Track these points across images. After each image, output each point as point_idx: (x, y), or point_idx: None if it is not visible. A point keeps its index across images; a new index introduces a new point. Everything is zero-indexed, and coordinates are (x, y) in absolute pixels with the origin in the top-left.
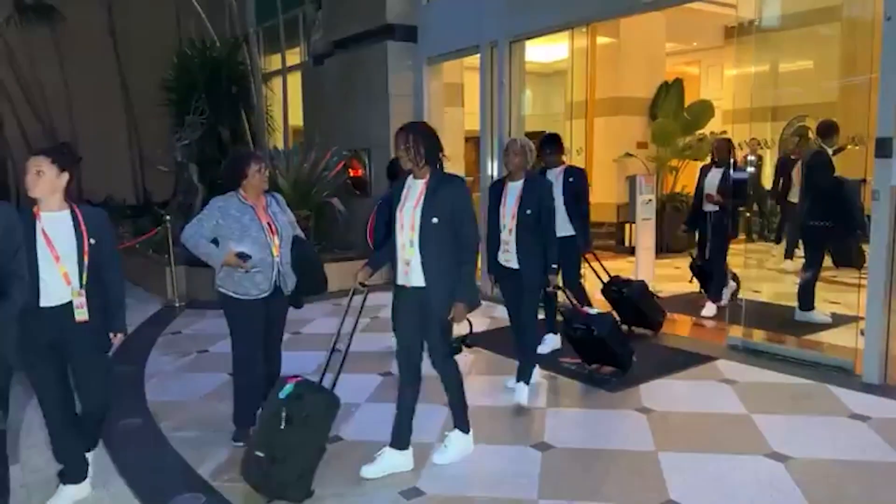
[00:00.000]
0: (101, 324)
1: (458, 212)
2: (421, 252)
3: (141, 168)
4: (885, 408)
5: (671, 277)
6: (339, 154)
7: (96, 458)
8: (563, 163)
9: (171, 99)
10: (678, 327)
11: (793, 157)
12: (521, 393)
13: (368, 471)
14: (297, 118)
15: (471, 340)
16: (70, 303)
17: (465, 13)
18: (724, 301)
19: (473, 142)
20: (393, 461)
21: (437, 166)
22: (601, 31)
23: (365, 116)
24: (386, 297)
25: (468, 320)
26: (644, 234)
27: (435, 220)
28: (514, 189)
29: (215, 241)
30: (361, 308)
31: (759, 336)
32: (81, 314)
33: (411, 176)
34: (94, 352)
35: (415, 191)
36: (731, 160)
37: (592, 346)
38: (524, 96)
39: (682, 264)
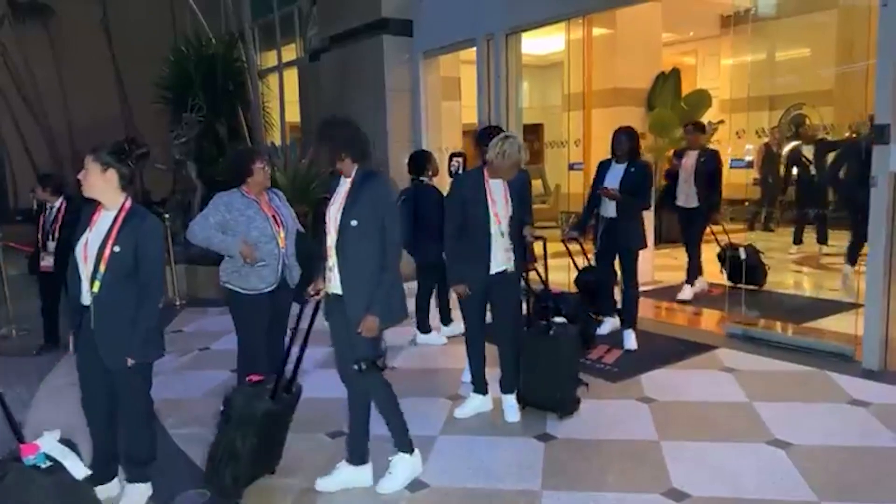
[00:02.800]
0: (122, 339)
1: (380, 213)
2: (338, 257)
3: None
4: (886, 394)
5: (670, 268)
6: None
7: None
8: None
9: (167, 97)
10: (678, 317)
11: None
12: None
13: (323, 483)
14: (293, 114)
15: (384, 362)
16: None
17: (461, 6)
18: (689, 296)
19: (471, 135)
20: (349, 476)
21: (362, 162)
22: (597, 23)
23: (362, 112)
24: None
25: (382, 339)
26: None
27: (354, 222)
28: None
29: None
30: (313, 316)
31: (759, 324)
32: (91, 322)
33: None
34: (114, 366)
35: (341, 190)
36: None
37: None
38: (521, 89)
39: (680, 255)
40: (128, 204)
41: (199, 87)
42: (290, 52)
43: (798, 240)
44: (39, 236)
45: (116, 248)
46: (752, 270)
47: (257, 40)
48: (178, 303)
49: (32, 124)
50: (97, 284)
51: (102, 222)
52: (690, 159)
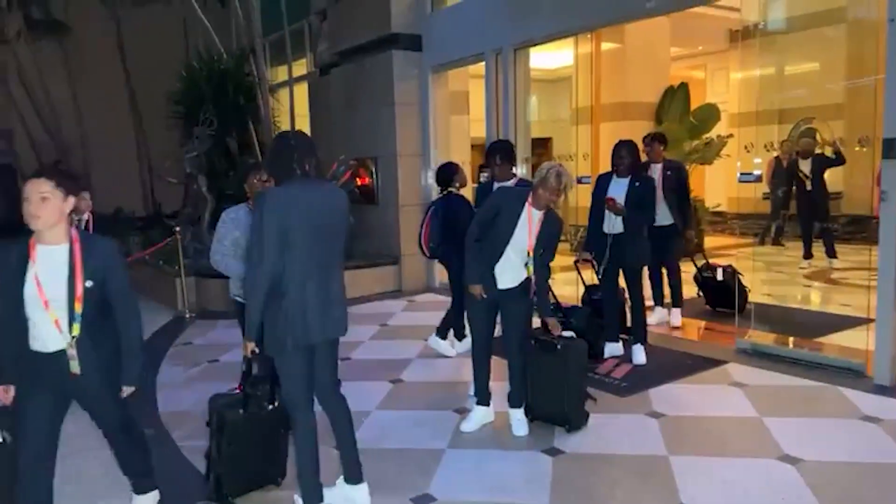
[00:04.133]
0: (112, 373)
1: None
2: None
3: (150, 180)
4: None
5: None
6: (346, 163)
7: (110, 466)
8: (515, 176)
9: (179, 111)
10: (687, 331)
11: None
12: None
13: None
14: (304, 128)
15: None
16: (64, 351)
17: (470, 21)
18: (678, 321)
19: (479, 149)
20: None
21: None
22: (606, 37)
23: (371, 126)
24: (393, 305)
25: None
26: None
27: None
28: (535, 221)
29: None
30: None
31: (768, 339)
32: (75, 367)
33: None
34: (101, 404)
35: None
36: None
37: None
38: (529, 103)
39: (688, 269)
40: (74, 232)
41: (210, 101)
42: (300, 68)
43: (808, 254)
44: None
45: (88, 283)
46: (730, 293)
47: (268, 55)
48: (187, 315)
49: (46, 139)
50: (76, 327)
51: (50, 259)
52: (654, 174)
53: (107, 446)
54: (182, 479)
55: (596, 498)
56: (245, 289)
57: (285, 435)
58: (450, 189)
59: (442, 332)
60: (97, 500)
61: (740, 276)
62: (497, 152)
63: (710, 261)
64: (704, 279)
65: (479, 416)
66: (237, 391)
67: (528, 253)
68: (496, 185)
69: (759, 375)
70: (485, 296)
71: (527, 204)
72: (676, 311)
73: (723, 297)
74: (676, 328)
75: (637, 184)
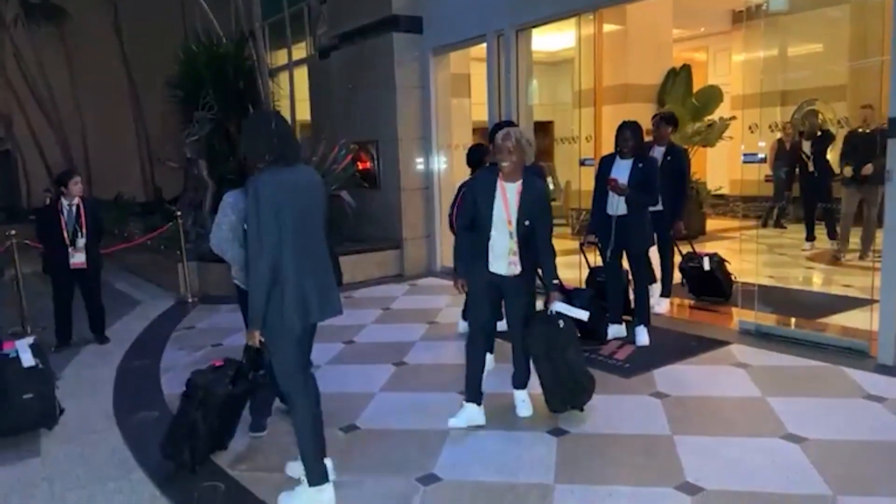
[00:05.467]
0: None
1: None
2: None
3: (150, 165)
4: None
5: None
6: (347, 147)
7: (116, 449)
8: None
9: (178, 95)
10: (690, 312)
11: None
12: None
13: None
14: (304, 112)
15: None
16: None
17: (471, 2)
18: (664, 310)
19: (480, 132)
20: None
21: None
22: (608, 19)
23: (372, 109)
24: (395, 289)
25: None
26: None
27: (245, 225)
28: (511, 193)
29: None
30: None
31: (771, 320)
32: None
33: None
34: None
35: None
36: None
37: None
38: (531, 85)
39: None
40: None
41: (209, 85)
42: (300, 51)
43: (810, 236)
44: (65, 234)
45: None
46: (716, 283)
47: (267, 39)
48: (190, 300)
49: (45, 125)
50: None
51: None
52: (655, 155)
53: (113, 428)
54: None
55: (601, 477)
56: (249, 278)
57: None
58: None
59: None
60: (107, 481)
61: (727, 264)
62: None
63: (696, 248)
64: (690, 268)
65: (470, 415)
66: (215, 366)
67: (508, 226)
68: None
69: (762, 356)
70: (466, 290)
71: (498, 180)
72: (664, 300)
73: (707, 285)
74: (659, 315)
75: (640, 165)
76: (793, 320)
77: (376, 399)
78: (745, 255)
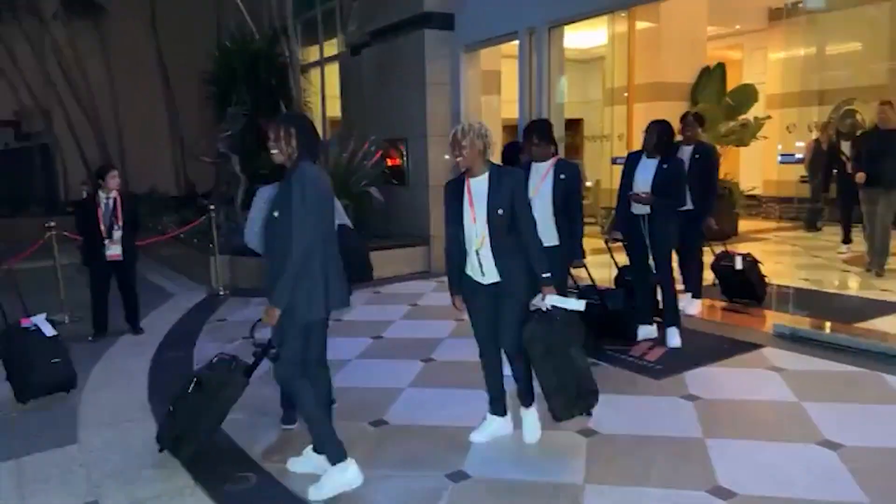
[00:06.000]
0: None
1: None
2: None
3: (183, 160)
4: None
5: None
6: (377, 144)
7: (150, 441)
8: (554, 155)
9: (212, 91)
10: (722, 314)
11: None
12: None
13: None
14: (334, 109)
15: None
16: None
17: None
18: (696, 311)
19: (510, 130)
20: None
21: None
22: (641, 16)
23: (402, 106)
24: (423, 286)
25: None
26: None
27: (276, 213)
28: (477, 187)
29: None
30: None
31: (807, 323)
32: None
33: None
34: None
35: None
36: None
37: (603, 322)
38: (563, 83)
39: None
40: None
41: (242, 82)
42: (331, 48)
43: (847, 239)
44: (102, 227)
45: None
46: (748, 284)
47: (299, 36)
48: (221, 292)
49: (83, 119)
50: None
51: None
52: (684, 155)
53: (148, 417)
54: (222, 451)
55: (631, 478)
56: (289, 260)
57: None
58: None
59: None
60: (143, 469)
61: (760, 265)
62: (534, 131)
63: (730, 248)
64: (722, 268)
65: (494, 428)
66: (225, 358)
67: (473, 222)
68: (533, 166)
69: (797, 360)
70: (458, 307)
71: (465, 179)
72: (695, 301)
73: (740, 286)
74: (691, 316)
75: (665, 166)
76: (828, 324)
77: (405, 394)
78: (780, 256)
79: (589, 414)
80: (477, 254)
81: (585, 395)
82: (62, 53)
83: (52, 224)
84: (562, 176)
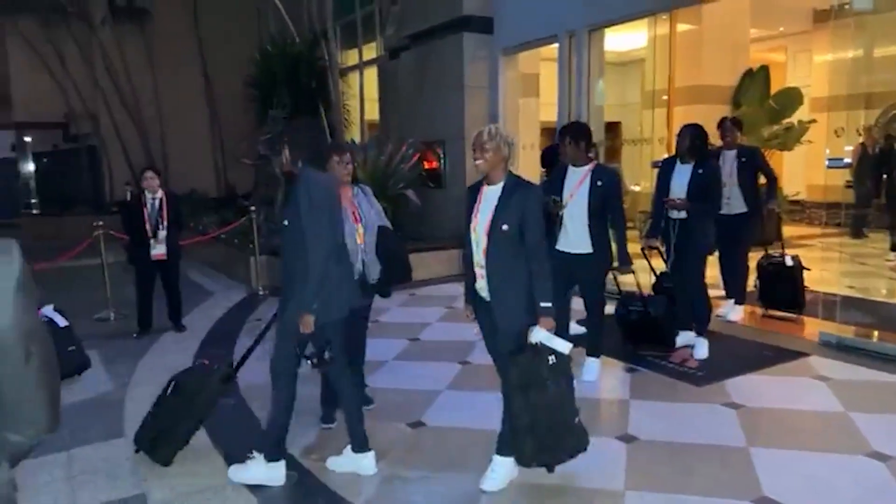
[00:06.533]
0: None
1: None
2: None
3: (223, 161)
4: None
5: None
6: (414, 147)
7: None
8: (591, 160)
9: (253, 94)
10: (765, 322)
11: None
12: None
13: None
14: (372, 112)
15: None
16: None
17: (543, 2)
18: (738, 318)
19: (548, 133)
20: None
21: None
22: (682, 18)
23: (440, 109)
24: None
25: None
26: None
27: (286, 222)
28: (490, 196)
29: None
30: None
31: (853, 332)
32: None
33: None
34: None
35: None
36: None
37: (645, 328)
38: (601, 86)
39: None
40: None
41: (283, 85)
42: (370, 51)
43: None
44: (148, 227)
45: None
46: (793, 290)
47: (339, 39)
48: (261, 292)
49: (128, 122)
50: None
51: None
52: (728, 161)
53: None
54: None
55: (672, 485)
56: (310, 265)
57: None
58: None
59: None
60: (186, 463)
61: (805, 271)
62: (568, 132)
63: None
64: (771, 265)
65: (504, 472)
66: (204, 363)
67: (473, 233)
68: (569, 170)
69: (844, 369)
70: (468, 315)
71: (482, 185)
72: (738, 308)
73: (782, 291)
74: (732, 323)
75: (700, 171)
76: (875, 333)
77: (442, 396)
78: (825, 263)
79: (551, 470)
80: (479, 266)
81: (553, 448)
82: (109, 58)
83: (100, 223)
84: (599, 182)
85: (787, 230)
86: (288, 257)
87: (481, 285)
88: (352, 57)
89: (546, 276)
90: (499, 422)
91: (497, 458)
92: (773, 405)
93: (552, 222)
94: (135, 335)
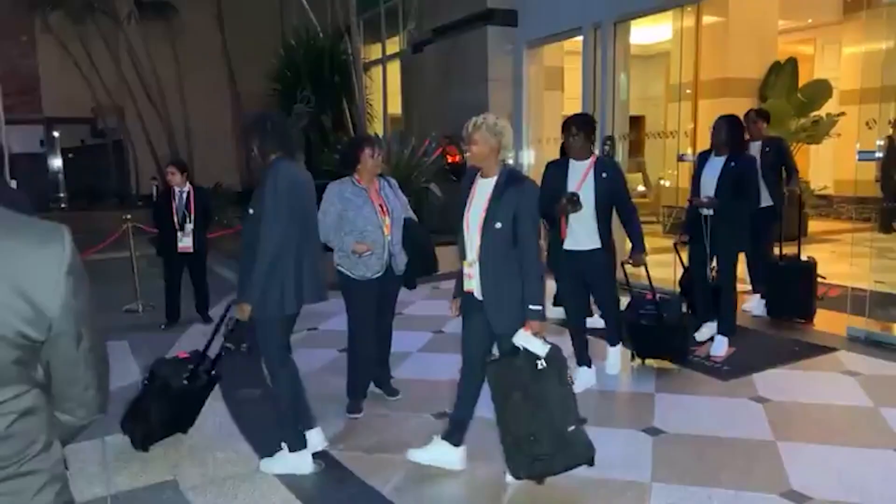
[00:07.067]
0: None
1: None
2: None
3: (247, 155)
4: None
5: None
6: (437, 140)
7: (223, 424)
8: (592, 154)
9: (277, 89)
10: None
11: None
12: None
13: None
14: (395, 106)
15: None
16: None
17: None
18: (762, 311)
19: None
20: (441, 453)
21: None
22: (709, 10)
23: (463, 102)
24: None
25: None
26: None
27: (250, 210)
28: (483, 189)
29: None
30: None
31: (882, 327)
32: None
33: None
34: None
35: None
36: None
37: (656, 335)
38: (627, 79)
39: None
40: None
41: (307, 79)
42: (393, 45)
43: None
44: (175, 219)
45: None
46: (804, 291)
47: (362, 33)
48: None
49: (154, 116)
50: None
51: None
52: (753, 152)
53: (219, 401)
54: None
55: (700, 478)
56: (259, 255)
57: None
58: None
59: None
60: (216, 451)
61: (816, 270)
62: (574, 125)
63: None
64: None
65: (439, 453)
66: (179, 358)
67: (466, 230)
68: (571, 164)
69: (873, 364)
70: (453, 310)
71: (477, 176)
72: (763, 302)
73: (790, 298)
74: (758, 317)
75: (733, 164)
76: None
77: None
78: (853, 258)
79: (540, 482)
80: (470, 265)
81: (542, 456)
82: (135, 53)
83: (129, 216)
84: (604, 174)
85: (815, 225)
86: (249, 247)
87: (472, 284)
88: (375, 51)
89: (536, 276)
90: None
91: (435, 439)
92: (801, 399)
93: (560, 221)
94: (162, 326)
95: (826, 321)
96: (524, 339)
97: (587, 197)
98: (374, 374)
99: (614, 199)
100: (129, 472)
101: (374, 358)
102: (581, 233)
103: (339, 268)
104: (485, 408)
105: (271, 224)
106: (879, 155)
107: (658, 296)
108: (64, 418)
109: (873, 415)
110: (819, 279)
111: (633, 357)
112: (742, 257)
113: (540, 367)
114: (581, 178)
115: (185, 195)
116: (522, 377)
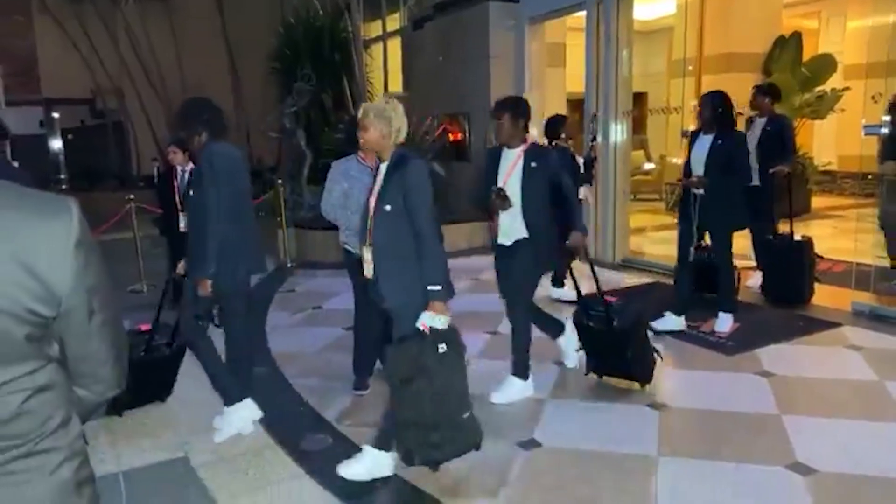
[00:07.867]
0: None
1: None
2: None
3: (247, 135)
4: None
5: None
6: (439, 118)
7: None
8: (525, 141)
9: (277, 68)
10: None
11: None
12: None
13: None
14: (396, 83)
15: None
16: None
17: None
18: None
19: (575, 104)
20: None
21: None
22: None
23: (464, 80)
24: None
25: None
26: None
27: (191, 192)
28: (381, 175)
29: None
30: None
31: (886, 301)
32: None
33: None
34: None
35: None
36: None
37: (605, 343)
38: (629, 55)
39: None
40: None
41: (307, 57)
42: (394, 22)
43: None
44: (178, 199)
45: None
46: (798, 271)
47: (362, 11)
48: (289, 264)
49: (153, 97)
50: None
51: None
52: (757, 128)
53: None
54: (298, 413)
55: (705, 451)
56: (209, 233)
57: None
58: (556, 141)
59: (557, 282)
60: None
61: (818, 259)
62: (506, 109)
63: (796, 227)
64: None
65: (370, 465)
66: (140, 330)
67: (369, 214)
68: (504, 152)
69: (878, 339)
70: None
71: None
72: (759, 275)
73: (784, 280)
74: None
75: (720, 141)
76: None
77: (472, 366)
78: (858, 234)
79: (434, 469)
80: (366, 247)
81: (437, 443)
82: (134, 33)
83: (132, 197)
84: (533, 164)
85: (818, 201)
86: (196, 228)
87: (367, 269)
88: (375, 28)
89: (435, 256)
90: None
91: (367, 448)
92: (806, 374)
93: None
94: (167, 307)
95: (830, 296)
96: (429, 319)
97: (514, 187)
98: (379, 352)
99: (551, 188)
100: (140, 448)
101: (380, 335)
102: (507, 225)
103: (346, 246)
104: (478, 385)
105: (217, 203)
106: (885, 130)
107: (613, 300)
108: (81, 393)
109: (878, 388)
110: (817, 258)
111: (587, 371)
112: (748, 234)
113: (441, 350)
114: (509, 169)
115: (186, 175)
116: (427, 362)
